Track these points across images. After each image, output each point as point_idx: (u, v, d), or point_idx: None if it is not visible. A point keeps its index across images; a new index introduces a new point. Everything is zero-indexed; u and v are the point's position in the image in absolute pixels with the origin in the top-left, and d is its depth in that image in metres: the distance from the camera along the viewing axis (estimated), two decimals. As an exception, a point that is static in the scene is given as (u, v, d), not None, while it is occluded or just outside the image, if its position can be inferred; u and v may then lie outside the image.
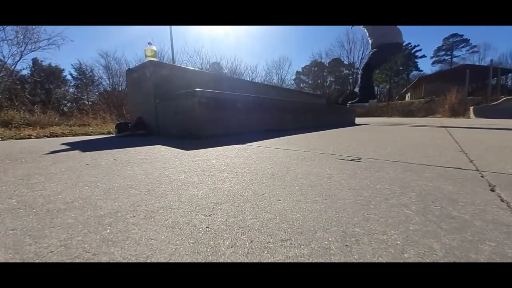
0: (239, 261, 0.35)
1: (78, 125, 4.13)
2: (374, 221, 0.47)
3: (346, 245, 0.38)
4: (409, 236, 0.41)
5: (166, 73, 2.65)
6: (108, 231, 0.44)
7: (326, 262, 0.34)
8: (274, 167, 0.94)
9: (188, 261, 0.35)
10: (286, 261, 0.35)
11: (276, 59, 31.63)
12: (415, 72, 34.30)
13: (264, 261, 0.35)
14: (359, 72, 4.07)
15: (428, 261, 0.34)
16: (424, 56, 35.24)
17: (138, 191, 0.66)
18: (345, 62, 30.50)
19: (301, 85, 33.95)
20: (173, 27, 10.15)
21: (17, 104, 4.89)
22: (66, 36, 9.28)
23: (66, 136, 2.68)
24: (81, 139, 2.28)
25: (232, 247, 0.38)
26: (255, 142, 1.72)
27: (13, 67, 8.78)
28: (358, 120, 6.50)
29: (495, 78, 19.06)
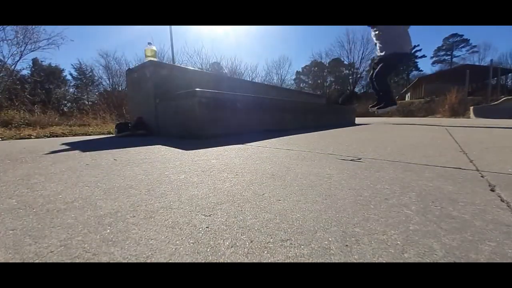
0: (239, 261, 0.35)
1: (78, 125, 4.13)
2: (374, 221, 0.47)
3: (346, 245, 0.38)
4: (409, 236, 0.41)
5: (166, 73, 2.65)
6: (108, 231, 0.44)
7: (326, 262, 0.34)
8: (274, 167, 0.94)
9: (188, 261, 0.35)
10: (286, 261, 0.35)
11: (276, 59, 31.66)
12: (415, 72, 34.36)
13: (264, 261, 0.35)
14: (373, 78, 3.98)
15: (428, 261, 0.34)
16: (424, 56, 35.30)
17: (138, 191, 0.66)
18: (345, 62, 30.51)
19: (301, 85, 33.97)
20: (173, 27, 10.16)
21: (17, 104, 4.88)
22: (66, 35, 9.29)
23: (66, 136, 2.68)
24: (81, 139, 2.28)
25: (232, 247, 0.38)
26: (255, 142, 1.72)
27: (13, 67, 8.79)
28: (358, 120, 6.50)
29: (495, 78, 19.06)
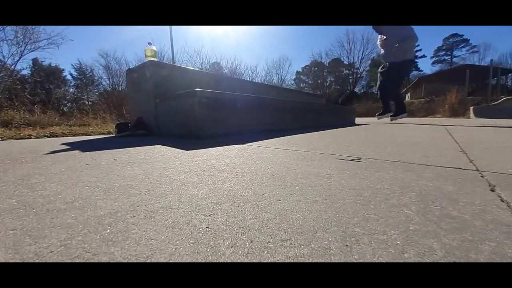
0: (239, 261, 0.35)
1: (78, 125, 4.13)
2: (374, 221, 0.47)
3: (346, 245, 0.38)
4: (409, 236, 0.41)
5: (166, 73, 2.65)
6: (108, 231, 0.44)
7: (326, 262, 0.34)
8: (274, 167, 0.94)
9: (188, 261, 0.35)
10: (286, 261, 0.35)
11: (276, 59, 31.61)
12: (415, 72, 34.32)
13: (264, 261, 0.35)
14: (382, 87, 4.09)
15: (428, 261, 0.34)
16: (424, 56, 35.30)
17: (138, 191, 0.66)
18: (345, 62, 30.50)
19: (301, 85, 33.95)
20: (173, 27, 10.15)
21: (17, 104, 4.88)
22: (66, 35, 9.28)
23: (66, 136, 2.68)
24: (81, 139, 2.28)
25: (232, 247, 0.38)
26: (255, 142, 1.72)
27: (13, 67, 8.78)
28: (358, 120, 6.50)
29: (495, 78, 19.05)
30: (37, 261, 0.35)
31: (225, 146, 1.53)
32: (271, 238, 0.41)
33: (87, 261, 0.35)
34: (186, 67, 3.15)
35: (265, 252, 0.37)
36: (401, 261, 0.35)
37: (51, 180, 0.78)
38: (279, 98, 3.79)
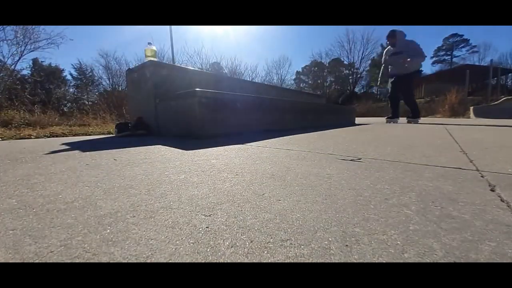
0: (239, 261, 0.35)
1: (78, 125, 4.13)
2: (374, 221, 0.47)
3: (346, 245, 0.38)
4: (409, 236, 0.41)
5: (166, 73, 2.65)
6: (108, 231, 0.44)
7: (326, 262, 0.34)
8: (274, 167, 0.94)
9: (188, 261, 0.35)
10: (286, 261, 0.35)
11: (276, 59, 31.60)
12: (415, 72, 34.20)
13: (264, 261, 0.35)
14: (409, 94, 4.84)
15: (428, 261, 0.34)
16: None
17: (138, 191, 0.66)
18: (345, 62, 30.49)
19: (301, 85, 33.94)
20: (173, 27, 10.17)
21: (17, 104, 4.88)
22: (66, 35, 9.28)
23: (66, 136, 2.68)
24: (81, 139, 2.28)
25: (232, 247, 0.38)
26: (255, 142, 1.72)
27: (13, 67, 8.78)
28: (358, 120, 6.50)
29: (495, 78, 19.04)
30: (37, 261, 0.35)
31: (225, 146, 1.53)
32: (271, 238, 0.41)
33: (87, 261, 0.35)
34: (186, 67, 3.15)
35: (265, 252, 0.37)
36: (401, 261, 0.35)
37: (51, 180, 0.78)
38: (279, 98, 3.79)
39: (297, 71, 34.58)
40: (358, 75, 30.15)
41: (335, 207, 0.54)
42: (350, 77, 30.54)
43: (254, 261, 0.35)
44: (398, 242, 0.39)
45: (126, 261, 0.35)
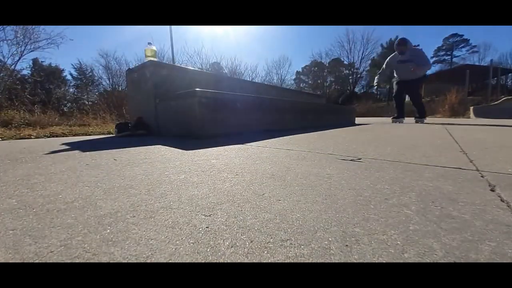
0: (239, 261, 0.35)
1: (78, 125, 4.13)
2: (374, 221, 0.47)
3: (346, 245, 0.38)
4: (409, 236, 0.41)
5: (166, 73, 2.65)
6: (108, 231, 0.44)
7: (326, 262, 0.34)
8: (274, 167, 0.94)
9: (188, 261, 0.35)
10: (286, 261, 0.35)
11: (276, 59, 31.57)
12: (415, 72, 34.21)
13: (264, 261, 0.35)
14: (410, 97, 5.29)
15: (428, 261, 0.34)
16: (424, 56, 35.15)
17: (138, 191, 0.66)
18: (345, 62, 30.49)
19: (301, 85, 33.93)
20: (173, 27, 10.17)
21: (17, 104, 4.88)
22: (66, 35, 9.29)
23: (66, 136, 2.68)
24: (81, 139, 2.28)
25: (232, 247, 0.38)
26: (255, 142, 1.72)
27: (13, 67, 8.78)
28: (358, 120, 6.50)
29: (495, 78, 19.04)
30: (37, 261, 0.35)
31: (225, 146, 1.53)
32: (271, 238, 0.41)
33: (87, 261, 0.35)
34: (186, 67, 3.15)
35: (265, 252, 0.37)
36: (401, 261, 0.35)
37: (51, 180, 0.78)
38: (279, 98, 3.79)
39: (297, 71, 34.59)
40: (358, 75, 30.17)
41: (335, 207, 0.54)
42: (350, 77, 30.54)
43: (254, 261, 0.35)
44: (398, 242, 0.39)
45: (126, 261, 0.35)
